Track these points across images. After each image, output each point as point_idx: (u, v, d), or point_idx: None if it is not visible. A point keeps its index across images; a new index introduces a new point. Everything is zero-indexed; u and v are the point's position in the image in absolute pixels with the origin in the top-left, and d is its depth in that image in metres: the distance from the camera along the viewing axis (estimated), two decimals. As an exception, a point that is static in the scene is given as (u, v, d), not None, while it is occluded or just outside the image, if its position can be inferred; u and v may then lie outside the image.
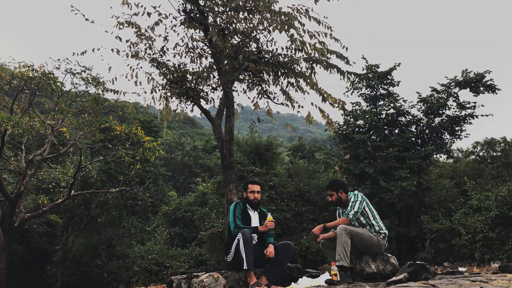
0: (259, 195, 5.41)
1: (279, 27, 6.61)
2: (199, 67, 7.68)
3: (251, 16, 7.17)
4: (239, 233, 4.91)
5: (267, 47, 7.50)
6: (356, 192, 5.26)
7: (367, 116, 17.63)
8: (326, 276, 4.97)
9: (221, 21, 7.25)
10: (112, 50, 7.30)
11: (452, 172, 20.16)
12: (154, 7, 7.09)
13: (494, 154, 19.52)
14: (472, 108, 17.67)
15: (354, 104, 18.86)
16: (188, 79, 7.54)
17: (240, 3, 7.02)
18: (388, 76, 18.49)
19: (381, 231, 5.07)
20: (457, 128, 17.91)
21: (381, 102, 18.68)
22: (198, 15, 7.17)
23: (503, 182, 16.34)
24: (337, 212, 5.46)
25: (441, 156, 19.68)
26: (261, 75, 7.61)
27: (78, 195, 18.22)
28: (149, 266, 17.58)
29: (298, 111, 7.54)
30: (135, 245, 20.67)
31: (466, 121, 17.81)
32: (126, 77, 7.32)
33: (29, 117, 15.01)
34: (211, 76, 7.74)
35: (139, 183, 22.32)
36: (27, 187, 17.28)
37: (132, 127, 15.65)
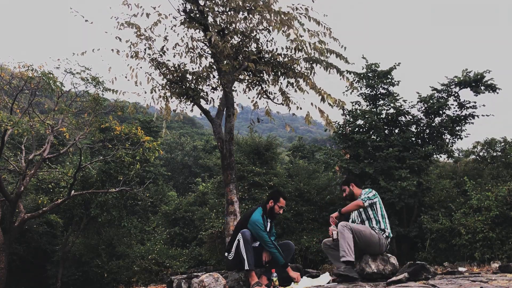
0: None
1: (278, 26, 6.61)
2: (199, 67, 7.69)
3: (250, 16, 7.16)
4: (239, 234, 4.91)
5: (267, 47, 7.52)
6: (369, 188, 5.31)
7: (367, 116, 17.63)
8: (326, 276, 4.98)
9: (221, 21, 7.24)
10: (112, 50, 7.30)
11: (452, 172, 20.16)
12: (154, 7, 7.09)
13: (494, 154, 19.52)
14: (473, 107, 17.67)
15: (353, 103, 18.87)
16: (188, 79, 7.54)
17: (240, 3, 7.01)
18: (388, 76, 18.50)
19: (386, 230, 5.07)
20: (457, 128, 17.91)
21: (381, 102, 18.68)
22: (198, 15, 7.16)
23: (503, 182, 16.33)
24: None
25: (441, 156, 19.68)
26: (261, 75, 7.61)
27: (78, 195, 18.22)
28: (149, 266, 17.57)
29: (293, 114, 7.55)
30: (135, 245, 20.66)
31: (466, 121, 17.81)
32: (126, 77, 7.32)
33: (29, 117, 15.00)
34: (211, 76, 7.75)
35: (139, 183, 22.31)
36: (27, 187, 17.28)
37: (132, 127, 15.66)
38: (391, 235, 5.17)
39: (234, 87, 7.63)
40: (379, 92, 18.68)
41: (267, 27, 7.22)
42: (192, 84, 7.55)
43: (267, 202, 5.27)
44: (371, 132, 17.99)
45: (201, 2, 7.20)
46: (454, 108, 17.89)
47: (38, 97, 16.63)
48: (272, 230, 5.35)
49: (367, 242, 4.93)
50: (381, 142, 17.48)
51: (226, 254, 5.19)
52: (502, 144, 19.14)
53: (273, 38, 7.49)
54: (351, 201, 5.26)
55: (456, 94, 17.80)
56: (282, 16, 6.67)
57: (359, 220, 5.15)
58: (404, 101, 18.11)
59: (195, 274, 5.39)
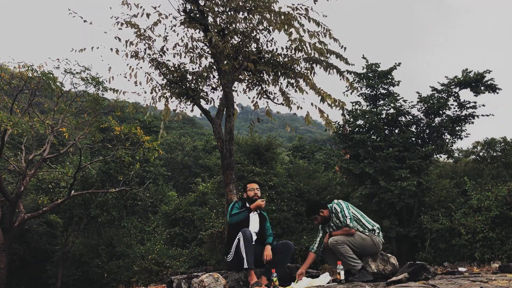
0: (259, 191, 5.42)
1: (278, 26, 6.60)
2: (199, 67, 7.67)
3: (251, 16, 7.16)
4: (239, 233, 4.91)
5: (267, 47, 7.49)
6: (334, 201, 5.26)
7: (367, 116, 17.63)
8: (326, 276, 4.98)
9: (221, 21, 7.23)
10: (111, 49, 7.28)
11: (452, 172, 20.17)
12: (154, 7, 7.08)
13: (494, 154, 19.51)
14: (473, 108, 17.69)
15: (354, 104, 18.90)
16: (188, 79, 7.53)
17: (240, 3, 7.00)
18: (388, 76, 18.50)
19: (374, 228, 5.09)
20: (457, 128, 17.92)
21: (381, 102, 18.69)
22: (198, 15, 7.15)
23: (503, 182, 16.33)
24: (320, 227, 5.39)
25: (441, 156, 19.69)
26: (261, 75, 7.60)
27: (78, 195, 18.22)
28: (149, 266, 17.56)
29: (294, 113, 7.55)
30: (135, 245, 20.65)
31: (466, 121, 17.83)
32: (125, 77, 7.31)
33: (29, 117, 15.01)
34: (211, 76, 7.73)
35: (139, 183, 22.30)
36: (27, 187, 17.28)
37: (132, 127, 15.66)
38: (379, 226, 5.19)
39: (234, 87, 7.61)
40: (379, 92, 18.69)
41: (267, 27, 7.21)
42: (192, 84, 7.54)
43: (243, 197, 5.48)
44: (371, 132, 18.00)
45: (201, 2, 7.19)
46: (454, 108, 17.92)
47: (38, 97, 16.63)
48: (266, 225, 5.36)
49: (362, 247, 4.98)
50: (381, 142, 17.49)
51: (225, 256, 5.21)
52: (502, 144, 19.14)
53: (273, 38, 7.47)
54: (324, 224, 5.29)
55: (456, 94, 17.82)
56: (283, 16, 6.66)
57: None
58: (404, 101, 18.15)
59: (195, 274, 5.39)
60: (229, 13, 7.11)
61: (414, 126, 18.40)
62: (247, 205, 5.36)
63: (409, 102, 18.14)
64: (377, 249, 5.03)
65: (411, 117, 18.18)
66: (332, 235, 5.05)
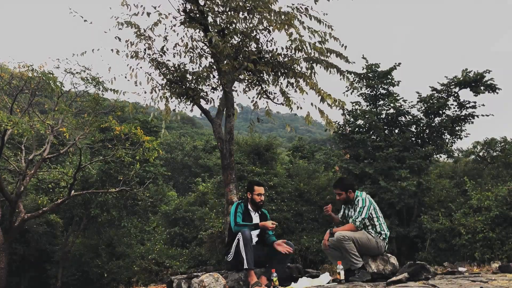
0: (264, 197, 5.43)
1: (278, 26, 6.59)
2: (199, 67, 7.67)
3: (251, 16, 7.15)
4: (239, 233, 4.91)
5: (267, 47, 7.49)
6: (364, 195, 5.23)
7: (367, 116, 17.64)
8: (326, 276, 4.98)
9: (221, 21, 7.23)
10: (112, 50, 7.29)
11: (452, 172, 20.19)
12: (154, 7, 7.08)
13: (494, 154, 19.54)
14: (473, 107, 17.69)
15: (354, 104, 18.90)
16: (188, 79, 7.53)
17: (240, 3, 7.00)
18: (388, 76, 18.51)
19: (382, 232, 5.08)
20: (457, 128, 17.93)
21: (381, 102, 18.70)
22: (198, 15, 7.15)
23: (503, 182, 16.35)
24: (342, 209, 5.44)
25: (441, 156, 19.71)
26: (261, 75, 7.60)
27: (78, 195, 18.22)
28: (149, 266, 17.58)
29: (295, 114, 7.55)
30: (135, 245, 20.66)
31: (466, 120, 17.83)
32: (126, 77, 7.31)
33: (29, 117, 15.00)
34: (211, 76, 7.73)
35: (139, 183, 22.30)
36: (27, 187, 17.28)
37: (132, 127, 15.66)
38: (388, 234, 5.20)
39: (234, 87, 7.61)
40: (379, 92, 18.70)
41: (267, 27, 7.20)
42: (192, 84, 7.54)
43: (246, 197, 5.40)
44: (371, 132, 18.01)
45: (201, 2, 7.19)
46: (454, 108, 17.92)
47: (38, 97, 16.63)
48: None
49: (366, 247, 4.99)
50: (381, 142, 17.50)
51: (225, 256, 5.22)
52: (502, 144, 19.16)
53: (273, 38, 7.46)
54: (345, 205, 5.37)
55: (456, 94, 17.83)
56: (283, 16, 6.65)
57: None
58: (404, 101, 18.16)
59: (195, 274, 5.39)
60: (229, 13, 7.10)
61: (414, 126, 18.41)
62: (249, 207, 5.33)
63: (409, 102, 18.17)
64: (379, 252, 5.06)
65: (411, 117, 18.19)
66: (333, 233, 5.05)
